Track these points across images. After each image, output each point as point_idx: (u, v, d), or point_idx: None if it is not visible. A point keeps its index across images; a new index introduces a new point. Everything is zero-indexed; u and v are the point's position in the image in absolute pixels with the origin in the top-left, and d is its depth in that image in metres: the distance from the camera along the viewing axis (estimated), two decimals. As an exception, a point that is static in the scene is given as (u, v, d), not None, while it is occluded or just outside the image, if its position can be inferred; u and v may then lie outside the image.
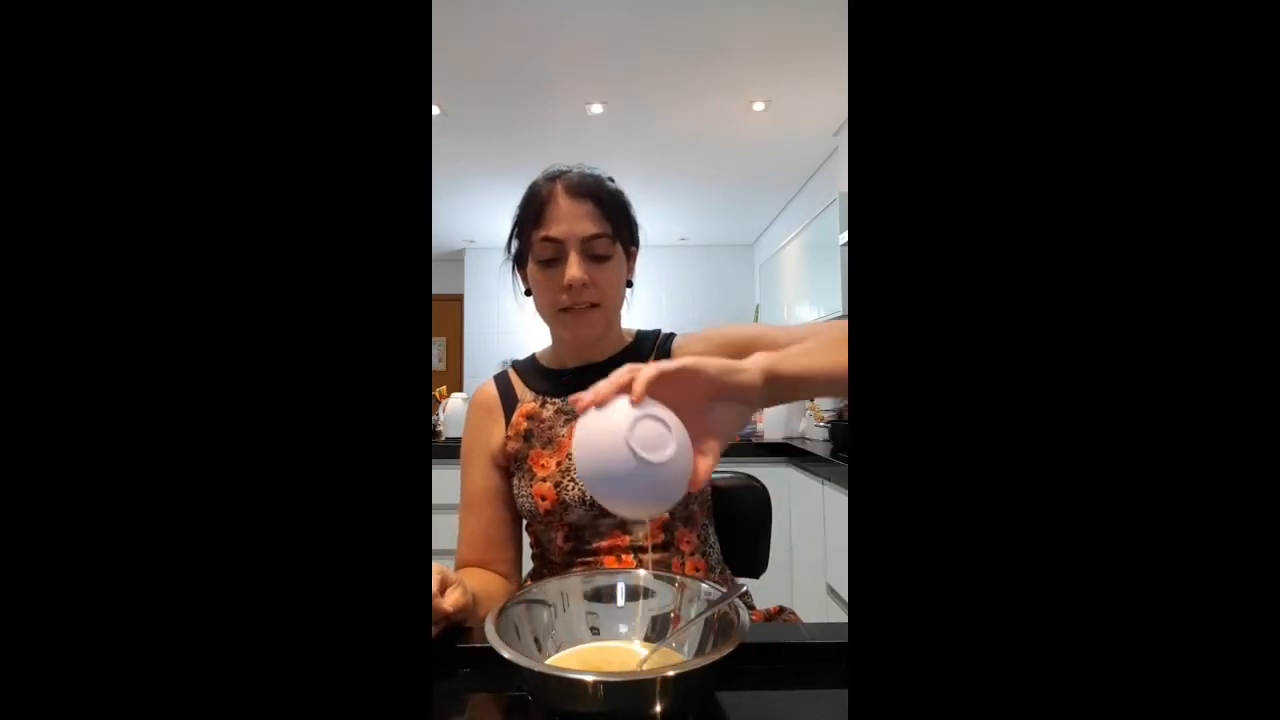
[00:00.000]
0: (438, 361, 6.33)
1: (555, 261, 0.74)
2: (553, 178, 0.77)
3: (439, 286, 5.96)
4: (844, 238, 2.62)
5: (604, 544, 0.75)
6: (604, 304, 0.76)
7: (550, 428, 0.79)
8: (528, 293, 0.81)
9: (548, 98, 2.93)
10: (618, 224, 0.77)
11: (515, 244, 0.80)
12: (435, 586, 0.55)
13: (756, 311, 5.20)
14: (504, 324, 5.69)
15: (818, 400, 2.93)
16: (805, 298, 3.21)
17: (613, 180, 0.80)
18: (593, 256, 0.74)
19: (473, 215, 4.78)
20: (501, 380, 0.86)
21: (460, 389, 5.18)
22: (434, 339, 6.25)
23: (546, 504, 0.75)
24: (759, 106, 2.99)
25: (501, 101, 2.97)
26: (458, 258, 5.88)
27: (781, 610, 0.81)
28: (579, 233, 0.74)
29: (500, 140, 3.40)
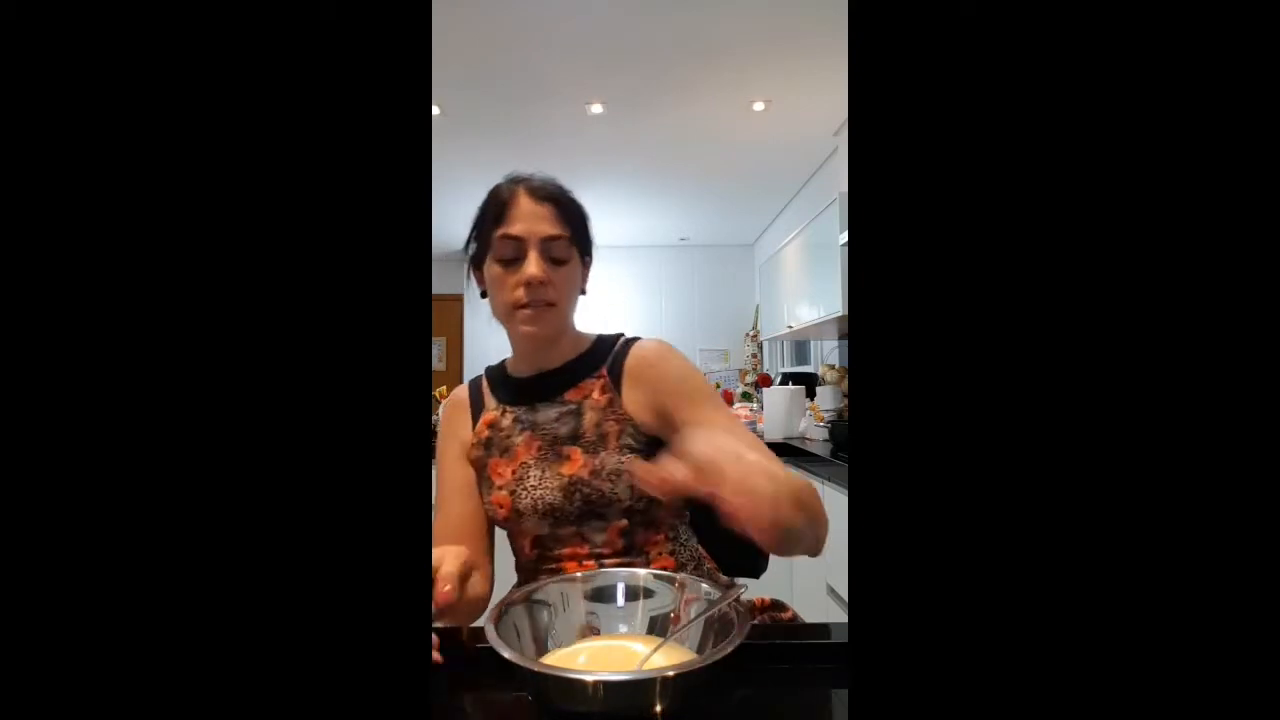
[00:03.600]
0: (438, 361, 6.33)
1: (515, 260, 0.76)
2: (515, 181, 0.79)
3: (439, 286, 5.94)
4: (844, 238, 2.61)
5: (565, 550, 0.75)
6: (559, 304, 0.77)
7: (507, 436, 0.80)
8: (484, 294, 0.82)
9: (548, 98, 2.92)
10: (576, 230, 0.79)
11: (474, 245, 0.81)
12: (456, 569, 0.52)
13: (756, 311, 5.20)
14: (504, 324, 5.67)
15: (817, 400, 2.93)
16: (805, 298, 3.21)
17: (572, 192, 0.82)
18: (551, 258, 0.76)
19: (473, 215, 4.78)
20: (474, 385, 0.88)
21: (460, 389, 5.17)
22: (434, 339, 6.25)
23: (504, 512, 0.77)
24: (759, 106, 2.99)
25: (501, 102, 2.97)
26: (458, 258, 5.83)
27: (775, 603, 0.81)
28: (539, 232, 0.75)
29: (500, 141, 3.40)
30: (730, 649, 0.41)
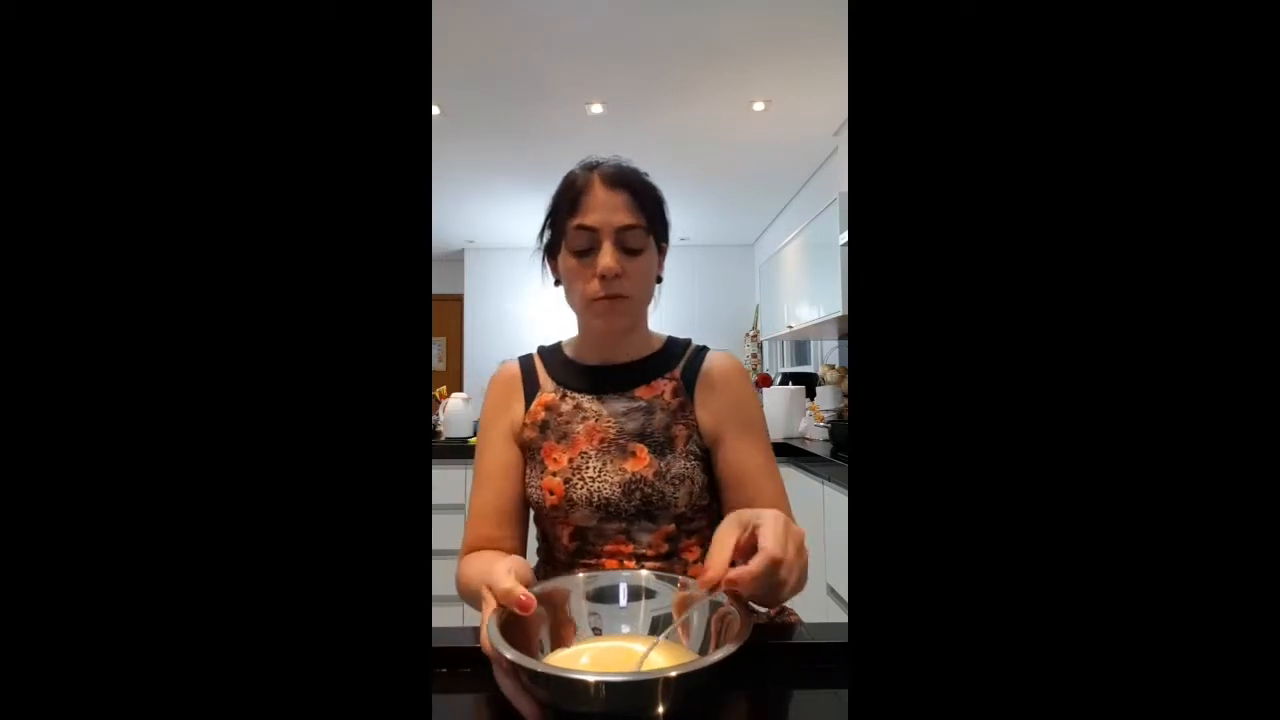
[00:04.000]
0: (438, 361, 6.33)
1: (589, 251, 0.74)
2: (590, 168, 0.77)
3: (439, 286, 5.96)
4: (844, 238, 2.61)
5: (608, 547, 0.74)
6: (635, 296, 0.76)
7: (567, 422, 0.78)
8: (557, 283, 0.81)
9: (548, 98, 2.92)
10: (652, 217, 0.77)
11: (548, 233, 0.80)
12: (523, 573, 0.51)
13: (756, 311, 5.20)
14: (504, 324, 5.69)
15: (817, 400, 2.93)
16: (805, 298, 3.21)
17: (648, 175, 0.79)
18: (626, 249, 0.74)
19: (473, 215, 4.78)
20: (526, 363, 0.86)
21: (460, 389, 5.18)
22: (434, 339, 6.25)
23: (554, 499, 0.75)
24: (759, 106, 2.99)
25: (501, 102, 2.97)
26: (458, 258, 5.88)
27: (781, 610, 0.81)
28: (614, 222, 0.74)
29: (500, 140, 3.40)
30: (732, 650, 0.41)
